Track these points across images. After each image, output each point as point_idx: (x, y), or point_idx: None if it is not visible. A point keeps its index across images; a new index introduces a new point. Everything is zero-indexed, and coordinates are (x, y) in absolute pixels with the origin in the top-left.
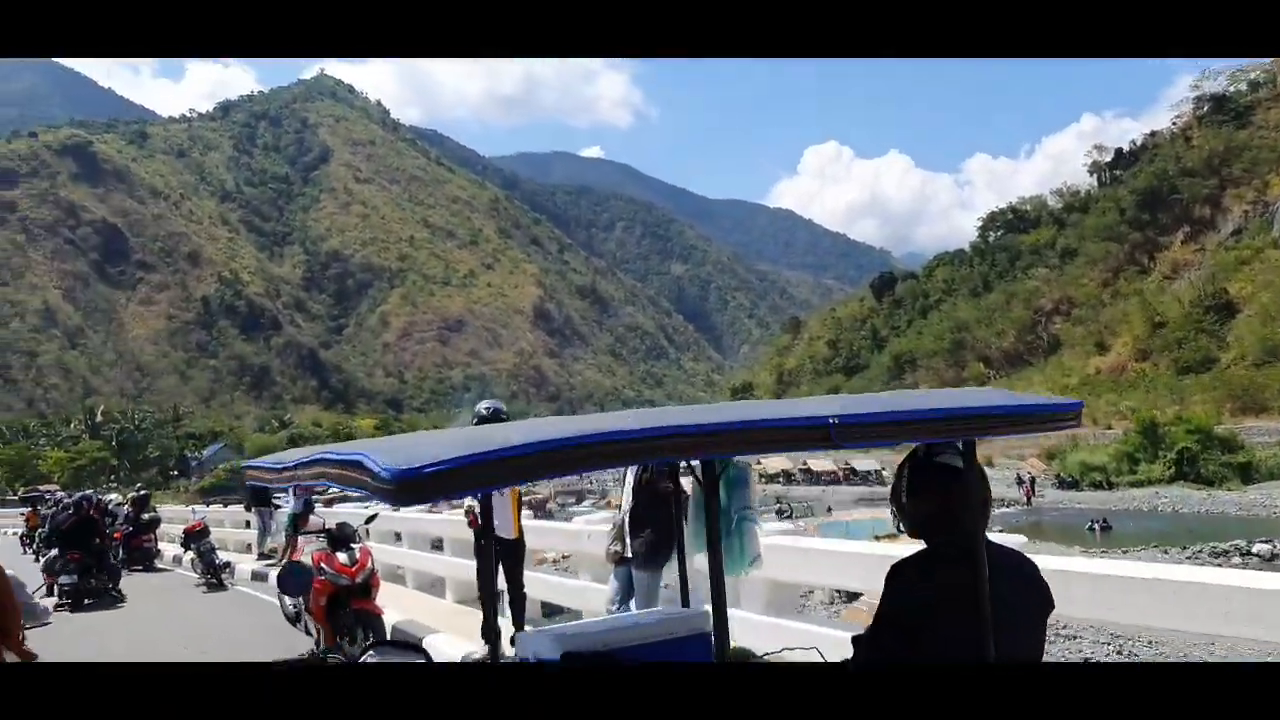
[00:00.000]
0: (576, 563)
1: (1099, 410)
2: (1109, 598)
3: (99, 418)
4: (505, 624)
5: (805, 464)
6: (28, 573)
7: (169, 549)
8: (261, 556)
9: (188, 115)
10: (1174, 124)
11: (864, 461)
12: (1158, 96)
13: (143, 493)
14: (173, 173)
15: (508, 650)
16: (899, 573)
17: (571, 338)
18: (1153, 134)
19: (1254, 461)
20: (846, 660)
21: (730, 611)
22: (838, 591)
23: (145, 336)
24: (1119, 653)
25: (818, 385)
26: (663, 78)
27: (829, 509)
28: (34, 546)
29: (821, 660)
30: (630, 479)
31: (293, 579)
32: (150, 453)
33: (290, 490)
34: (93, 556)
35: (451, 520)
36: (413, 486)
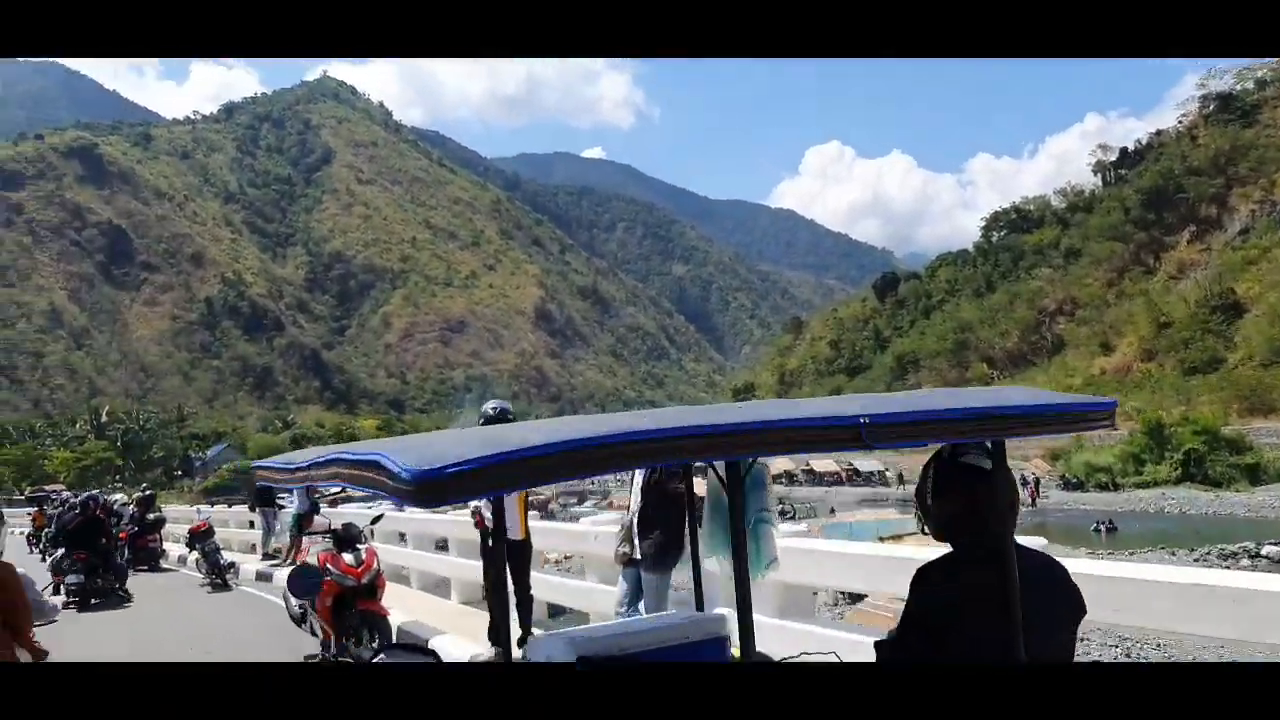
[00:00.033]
0: (584, 564)
1: None
2: (1119, 600)
3: (104, 418)
4: (510, 626)
5: (808, 464)
6: (35, 572)
7: (174, 549)
8: (266, 557)
9: (192, 117)
10: (1180, 123)
11: (867, 462)
12: (1163, 96)
13: (148, 493)
14: (177, 174)
15: (514, 653)
16: (925, 575)
17: (573, 338)
18: (1158, 133)
19: (1262, 462)
20: (872, 662)
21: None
22: (841, 593)
23: (149, 337)
24: (1127, 655)
25: (820, 386)
26: (665, 78)
27: (832, 510)
28: (41, 546)
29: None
30: (638, 480)
31: (304, 581)
32: (155, 453)
33: (294, 491)
34: (99, 556)
35: (457, 521)
36: (434, 487)
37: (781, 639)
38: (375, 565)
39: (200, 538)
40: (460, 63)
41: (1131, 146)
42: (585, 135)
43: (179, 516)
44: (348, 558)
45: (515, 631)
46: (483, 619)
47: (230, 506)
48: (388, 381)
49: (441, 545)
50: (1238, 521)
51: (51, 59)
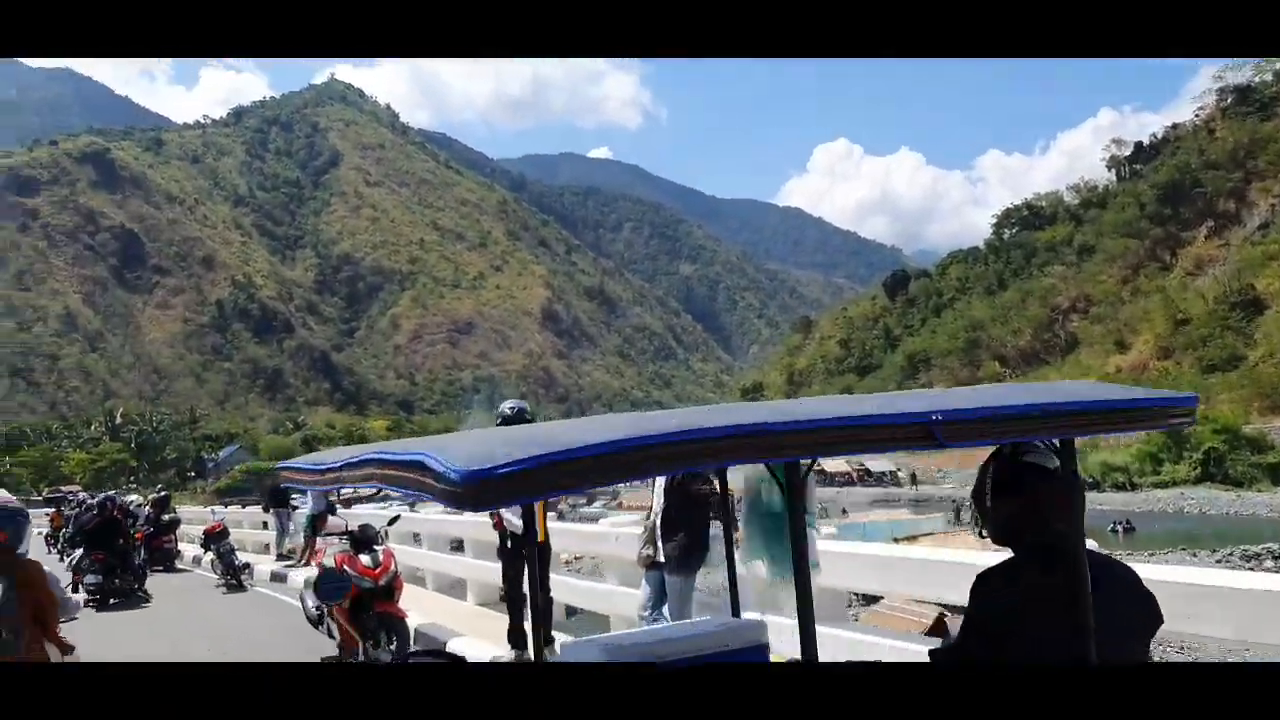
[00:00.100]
0: (596, 565)
1: None
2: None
3: (118, 420)
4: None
5: (819, 465)
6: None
7: (189, 550)
8: (280, 557)
9: (202, 121)
10: (1197, 116)
11: (878, 463)
12: (1179, 89)
13: (163, 494)
14: (187, 178)
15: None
16: (985, 580)
17: (580, 339)
18: (1174, 126)
19: None
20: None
21: (772, 619)
22: (854, 594)
23: (162, 340)
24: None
25: (830, 385)
26: (671, 78)
27: (844, 510)
28: (58, 546)
29: None
30: (660, 481)
31: (329, 585)
32: (168, 454)
33: (308, 492)
34: (116, 557)
35: (473, 521)
36: (483, 489)
37: (823, 645)
38: (393, 567)
39: (215, 539)
40: (466, 65)
41: (1147, 141)
42: (591, 136)
43: (192, 517)
44: (365, 559)
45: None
46: (500, 621)
47: (244, 507)
48: (397, 383)
49: (457, 546)
50: (1260, 522)
51: (64, 65)
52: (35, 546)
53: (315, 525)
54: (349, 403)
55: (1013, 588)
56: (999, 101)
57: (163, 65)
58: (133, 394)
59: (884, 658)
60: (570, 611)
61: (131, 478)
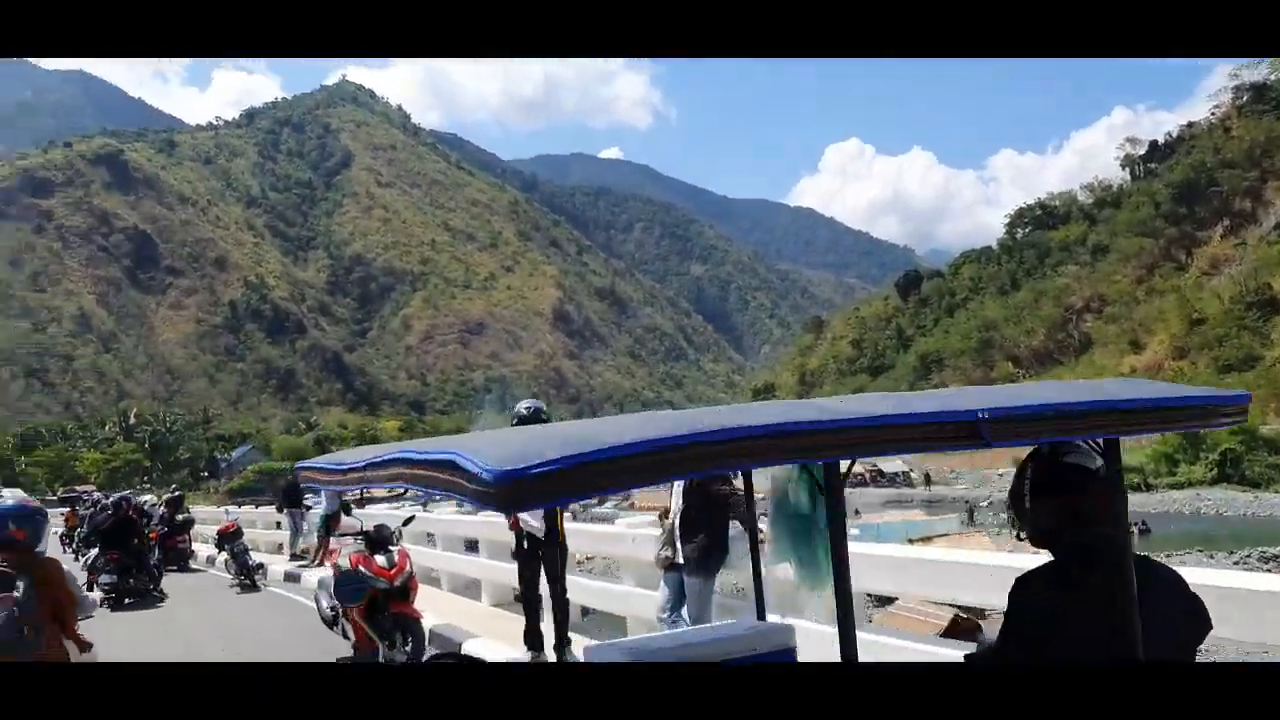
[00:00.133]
0: (609, 565)
1: None
2: None
3: (132, 420)
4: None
5: None
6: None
7: (203, 550)
8: (293, 558)
9: (214, 123)
10: (1212, 114)
11: (890, 464)
12: (1194, 88)
13: (177, 494)
14: (200, 179)
15: (549, 655)
16: (1024, 584)
17: (591, 339)
18: (1189, 125)
19: None
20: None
21: (796, 623)
22: (868, 595)
23: (175, 340)
24: None
25: (842, 386)
26: (682, 78)
27: (856, 511)
28: (73, 546)
29: None
30: (680, 481)
31: (348, 587)
32: (181, 454)
33: (321, 492)
34: (131, 557)
35: (487, 521)
36: (517, 490)
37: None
38: (408, 567)
39: (229, 539)
40: (478, 66)
41: (1162, 140)
42: (602, 136)
43: (206, 517)
44: (380, 560)
45: (549, 636)
46: (515, 621)
47: (257, 507)
48: (408, 383)
49: (471, 546)
50: (1278, 523)
51: (78, 67)
52: (50, 546)
53: (329, 525)
54: (361, 403)
55: (1054, 591)
56: (1011, 101)
57: (175, 67)
58: (146, 394)
59: (905, 660)
60: (584, 611)
61: (145, 478)
